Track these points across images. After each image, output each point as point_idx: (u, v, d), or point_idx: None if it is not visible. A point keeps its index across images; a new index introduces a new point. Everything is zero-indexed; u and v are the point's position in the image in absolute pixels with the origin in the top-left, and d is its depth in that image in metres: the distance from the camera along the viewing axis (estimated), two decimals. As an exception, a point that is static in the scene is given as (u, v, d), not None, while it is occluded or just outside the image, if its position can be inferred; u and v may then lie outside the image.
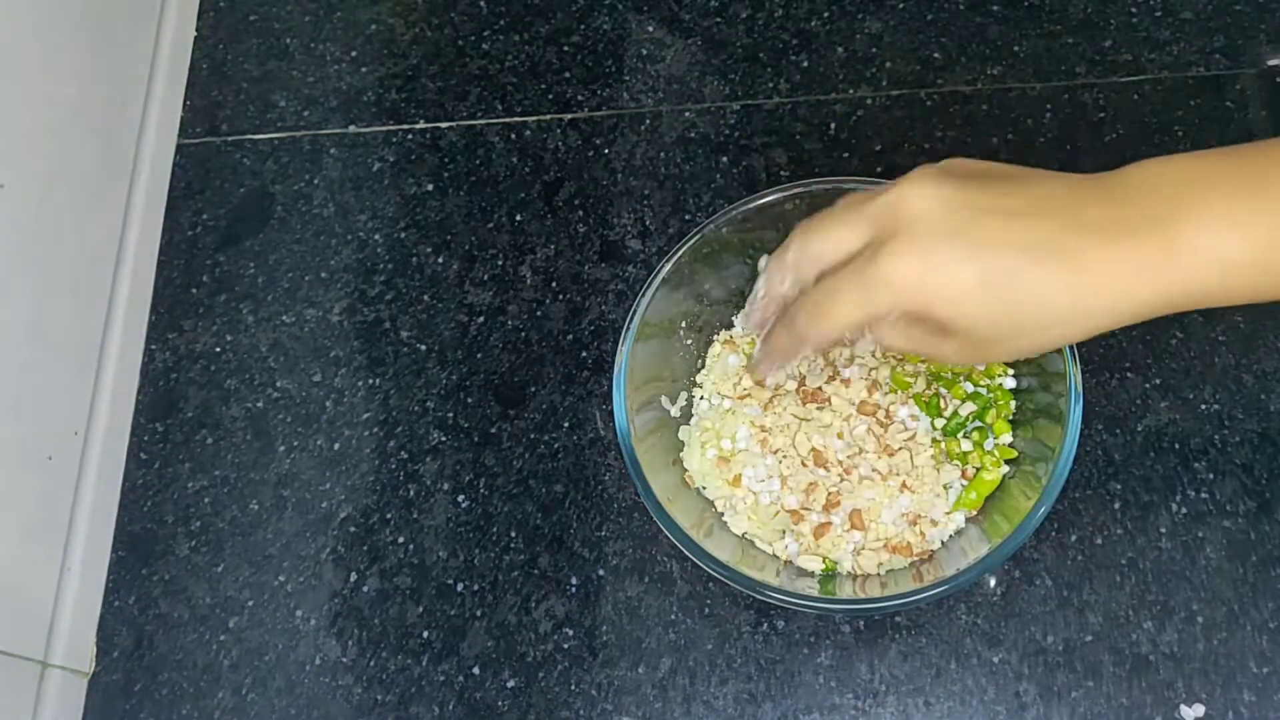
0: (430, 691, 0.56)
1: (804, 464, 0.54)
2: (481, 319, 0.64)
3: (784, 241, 0.46)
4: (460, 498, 0.60)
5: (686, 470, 0.56)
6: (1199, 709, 0.51)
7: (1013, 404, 0.54)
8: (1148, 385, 0.57)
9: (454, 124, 0.69)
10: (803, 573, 0.52)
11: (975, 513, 0.53)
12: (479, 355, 0.63)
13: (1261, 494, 0.54)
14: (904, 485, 0.53)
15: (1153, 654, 0.52)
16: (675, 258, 0.54)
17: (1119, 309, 0.39)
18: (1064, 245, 0.39)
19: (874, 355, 0.56)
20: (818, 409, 0.54)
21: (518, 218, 0.66)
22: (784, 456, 0.54)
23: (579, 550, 0.58)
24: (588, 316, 0.63)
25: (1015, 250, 0.39)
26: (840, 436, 0.54)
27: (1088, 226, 0.39)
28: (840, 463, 0.53)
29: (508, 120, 0.69)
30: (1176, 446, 0.56)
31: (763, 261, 0.47)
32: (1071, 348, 0.49)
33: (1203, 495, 0.55)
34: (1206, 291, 0.38)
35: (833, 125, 0.65)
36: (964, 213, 0.40)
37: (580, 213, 0.65)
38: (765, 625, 0.55)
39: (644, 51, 0.69)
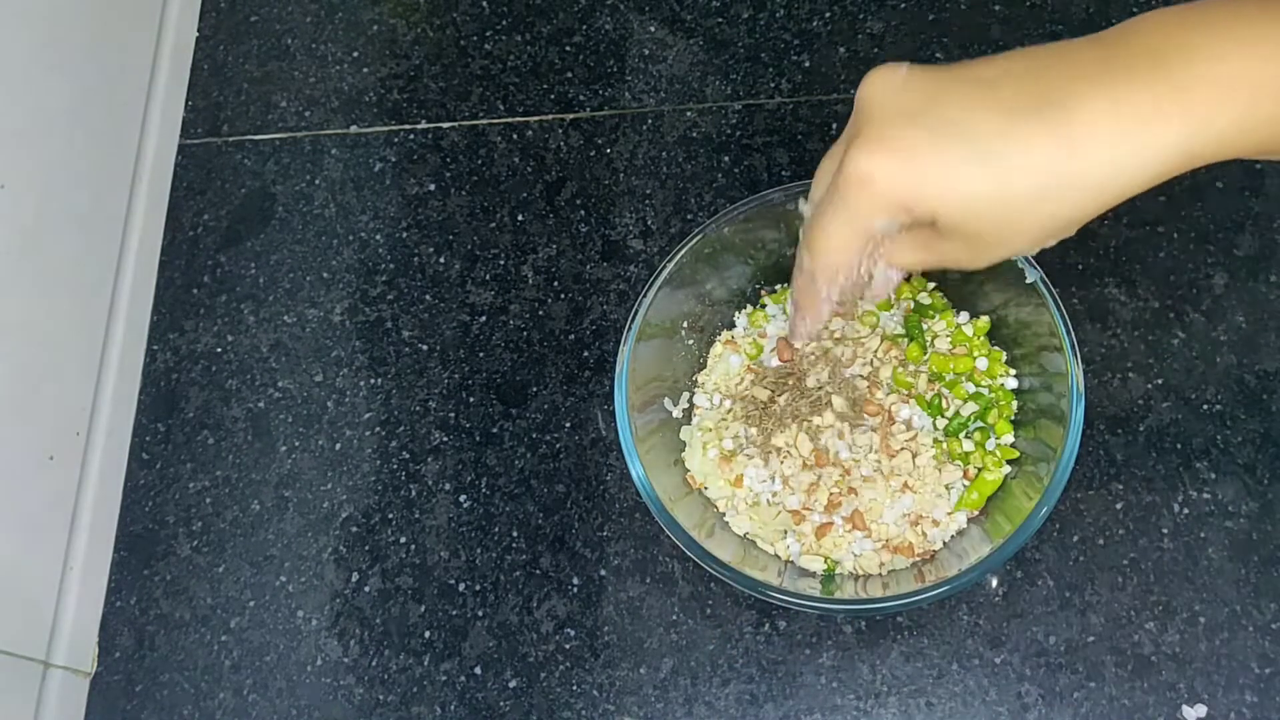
0: (432, 691, 0.56)
1: (805, 464, 0.54)
2: (483, 319, 0.64)
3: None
4: (462, 498, 0.60)
5: (688, 470, 0.56)
6: (1201, 709, 0.51)
7: (1014, 404, 0.54)
8: (1150, 385, 0.57)
9: (456, 124, 0.69)
10: (804, 573, 0.52)
11: (977, 513, 0.53)
12: (481, 355, 0.63)
13: (1263, 494, 0.54)
14: (905, 485, 0.53)
15: (1155, 655, 0.52)
16: (677, 258, 0.54)
17: (1125, 167, 0.33)
18: (1048, 100, 0.33)
19: (875, 355, 0.56)
20: (820, 409, 0.54)
21: (519, 217, 0.66)
22: (785, 457, 0.54)
23: (581, 550, 0.58)
24: (589, 316, 0.63)
25: (991, 117, 0.34)
26: (842, 437, 0.54)
27: (1073, 78, 0.33)
28: (842, 463, 0.53)
29: (510, 120, 0.69)
30: (1179, 447, 0.56)
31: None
32: (1074, 347, 0.49)
33: (1205, 496, 0.55)
34: (1231, 128, 0.32)
35: (834, 125, 0.65)
36: (926, 89, 0.35)
37: (582, 212, 0.65)
38: (767, 626, 0.55)
39: (646, 51, 0.69)
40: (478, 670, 0.57)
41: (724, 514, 0.55)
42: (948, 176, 0.34)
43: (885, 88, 0.36)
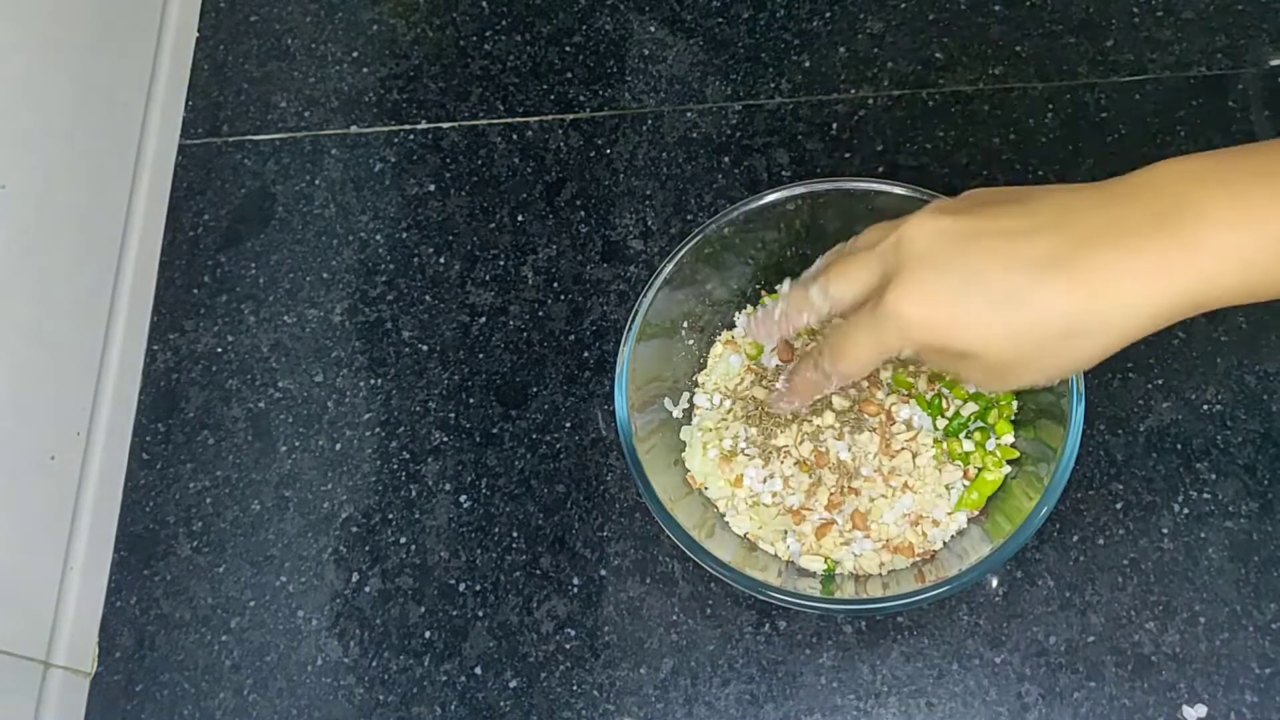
0: (432, 692, 0.56)
1: (805, 464, 0.54)
2: (483, 319, 0.64)
3: (807, 272, 0.47)
4: (462, 498, 0.60)
5: (688, 470, 0.56)
6: (1201, 710, 0.51)
7: (1015, 404, 0.54)
8: (1150, 386, 0.57)
9: (456, 124, 0.69)
10: (804, 573, 0.52)
11: (977, 513, 0.53)
12: (481, 355, 0.63)
13: (1264, 495, 0.54)
14: (906, 485, 0.53)
15: (1155, 655, 0.52)
16: (677, 258, 0.54)
17: (1139, 315, 0.38)
18: (1070, 256, 0.38)
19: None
20: (820, 409, 0.54)
21: (519, 218, 0.66)
22: (786, 457, 0.54)
23: (581, 551, 0.58)
24: (589, 317, 0.63)
25: (1017, 270, 0.39)
26: (841, 437, 0.54)
27: (1092, 234, 0.38)
28: (842, 463, 0.53)
29: (510, 120, 0.69)
30: (1179, 447, 0.56)
31: (785, 285, 0.50)
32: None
33: (1205, 496, 0.55)
34: (1228, 291, 0.37)
35: (834, 125, 0.65)
36: (961, 242, 0.40)
37: (582, 213, 0.65)
38: (767, 626, 0.55)
39: (646, 52, 0.69)
40: (478, 670, 0.57)
41: (724, 514, 0.55)
42: (977, 322, 0.39)
43: (928, 239, 0.41)
